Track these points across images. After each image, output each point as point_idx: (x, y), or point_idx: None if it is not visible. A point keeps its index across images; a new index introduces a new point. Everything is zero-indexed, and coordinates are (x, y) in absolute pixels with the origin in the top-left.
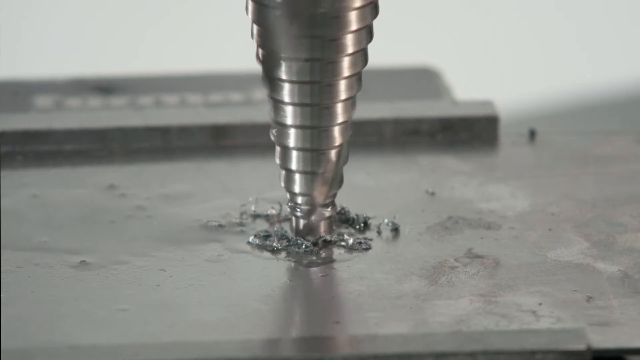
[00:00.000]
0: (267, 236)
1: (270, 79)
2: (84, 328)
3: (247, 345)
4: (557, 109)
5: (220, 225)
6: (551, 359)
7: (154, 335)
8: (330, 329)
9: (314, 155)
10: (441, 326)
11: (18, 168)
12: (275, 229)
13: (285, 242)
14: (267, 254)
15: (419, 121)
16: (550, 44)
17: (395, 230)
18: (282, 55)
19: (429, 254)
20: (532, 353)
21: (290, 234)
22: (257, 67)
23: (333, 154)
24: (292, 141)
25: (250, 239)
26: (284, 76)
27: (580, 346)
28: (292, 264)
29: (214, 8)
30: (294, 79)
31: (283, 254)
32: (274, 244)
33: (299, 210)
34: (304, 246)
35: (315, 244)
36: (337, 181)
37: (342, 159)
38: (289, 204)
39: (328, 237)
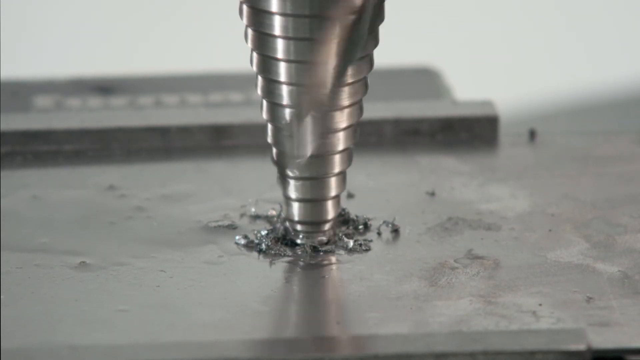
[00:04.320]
0: (262, 237)
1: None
2: (84, 328)
3: (247, 345)
4: (557, 109)
5: (221, 227)
6: (551, 359)
7: (154, 335)
8: (331, 329)
9: (314, 183)
10: (441, 327)
11: (18, 168)
12: (267, 231)
13: (281, 248)
14: (267, 255)
15: (419, 121)
16: (550, 44)
17: (395, 231)
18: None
19: (429, 255)
20: (532, 353)
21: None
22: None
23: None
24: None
25: (237, 237)
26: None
27: (580, 346)
28: (292, 266)
29: (214, 8)
30: None
31: (284, 257)
32: (266, 248)
33: (300, 234)
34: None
35: (314, 248)
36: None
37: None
38: (291, 230)
39: (327, 247)
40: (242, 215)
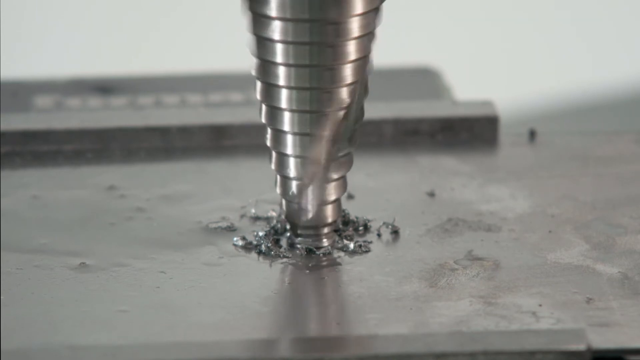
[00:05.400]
0: (260, 238)
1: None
2: (84, 329)
3: (247, 346)
4: (557, 109)
5: (220, 228)
6: (551, 359)
7: (154, 336)
8: (330, 330)
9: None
10: (441, 327)
11: (18, 168)
12: (265, 232)
13: (281, 250)
14: (267, 257)
15: (419, 121)
16: (550, 43)
17: (395, 232)
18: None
19: (428, 256)
20: (532, 353)
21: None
22: None
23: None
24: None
25: (235, 239)
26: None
27: (580, 346)
28: (292, 267)
29: (214, 8)
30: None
31: (284, 258)
32: (266, 250)
33: (298, 242)
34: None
35: (310, 250)
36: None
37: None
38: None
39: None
40: (242, 216)
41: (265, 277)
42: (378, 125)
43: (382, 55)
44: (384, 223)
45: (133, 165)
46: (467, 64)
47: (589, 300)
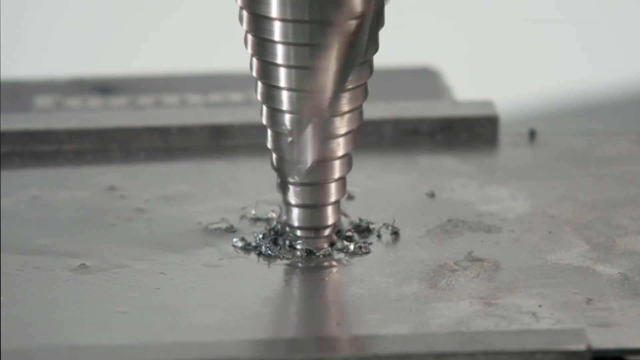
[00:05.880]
0: (260, 239)
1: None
2: (84, 330)
3: (247, 346)
4: (557, 109)
5: (220, 229)
6: (551, 359)
7: (154, 337)
8: (331, 330)
9: (314, 188)
10: (441, 328)
11: (18, 168)
12: (265, 233)
13: (281, 251)
14: (267, 258)
15: (419, 121)
16: (550, 44)
17: (395, 233)
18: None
19: (429, 257)
20: (532, 353)
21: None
22: None
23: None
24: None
25: (234, 240)
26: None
27: (580, 346)
28: (292, 268)
29: (214, 8)
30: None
31: (283, 259)
32: (265, 250)
33: (298, 244)
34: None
35: (310, 252)
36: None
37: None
38: (290, 236)
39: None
40: (242, 217)
41: (265, 279)
42: (378, 125)
43: (382, 55)
44: (384, 224)
45: (133, 165)
46: (467, 64)
47: (589, 301)
